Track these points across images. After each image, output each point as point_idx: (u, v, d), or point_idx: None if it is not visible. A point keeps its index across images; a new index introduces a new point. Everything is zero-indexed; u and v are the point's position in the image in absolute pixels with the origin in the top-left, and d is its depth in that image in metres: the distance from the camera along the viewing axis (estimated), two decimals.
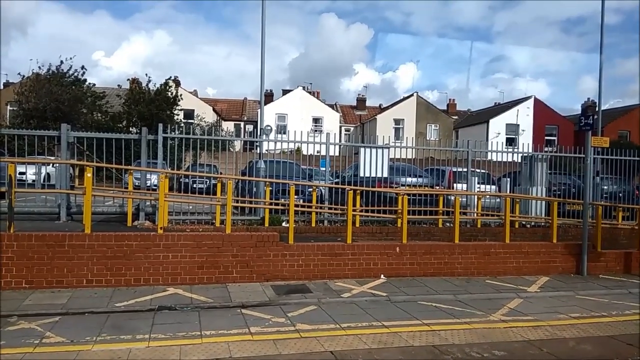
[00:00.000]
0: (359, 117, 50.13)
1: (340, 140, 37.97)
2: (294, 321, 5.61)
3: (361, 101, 53.38)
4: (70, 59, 28.73)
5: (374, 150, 10.49)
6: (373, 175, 10.49)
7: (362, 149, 10.52)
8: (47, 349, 4.55)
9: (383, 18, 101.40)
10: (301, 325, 5.46)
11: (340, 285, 7.42)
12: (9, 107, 37.78)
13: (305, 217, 10.11)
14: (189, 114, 36.08)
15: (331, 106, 47.58)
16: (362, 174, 10.52)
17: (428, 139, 39.98)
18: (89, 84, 28.87)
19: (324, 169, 13.54)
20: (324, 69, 78.99)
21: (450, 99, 53.11)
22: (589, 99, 46.09)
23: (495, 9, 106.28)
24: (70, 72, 28.28)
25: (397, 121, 43.08)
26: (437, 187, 12.07)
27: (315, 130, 42.50)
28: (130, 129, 28.74)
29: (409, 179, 11.67)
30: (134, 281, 6.91)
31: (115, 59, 77.57)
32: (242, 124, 50.25)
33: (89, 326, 5.21)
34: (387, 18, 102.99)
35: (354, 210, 10.01)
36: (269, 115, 43.32)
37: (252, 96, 52.50)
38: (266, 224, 9.74)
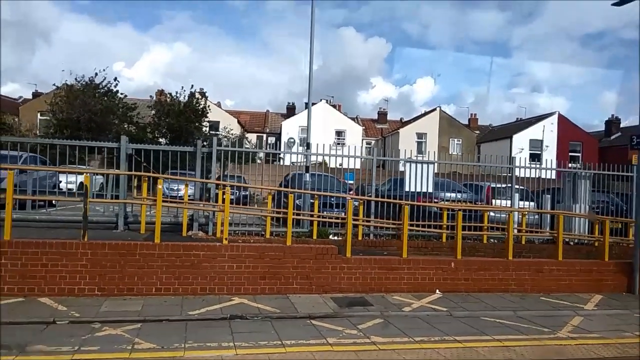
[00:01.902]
0: (381, 130, 50.29)
1: (362, 153, 38.22)
2: (366, 333, 5.72)
3: (382, 114, 53.57)
4: (104, 70, 29.46)
5: (419, 166, 10.61)
6: (419, 189, 10.60)
7: (407, 164, 10.65)
8: (142, 355, 4.73)
9: (400, 31, 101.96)
10: (375, 337, 5.57)
11: (398, 299, 7.51)
12: (38, 116, 38.84)
13: (352, 231, 10.21)
14: (214, 125, 36.57)
15: (353, 119, 47.81)
16: (407, 189, 10.64)
17: (450, 153, 39.96)
18: (121, 95, 29.51)
19: (351, 182, 13.71)
20: (342, 82, 79.57)
21: (471, 114, 52.92)
22: (613, 115, 45.73)
23: (513, 22, 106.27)
24: (104, 83, 28.97)
25: (420, 135, 43.12)
26: (480, 203, 12.12)
27: (338, 143, 42.79)
28: (160, 140, 29.28)
29: (450, 194, 11.76)
30: (200, 290, 7.09)
31: (136, 70, 79.08)
32: (264, 136, 50.79)
33: (171, 333, 5.39)
34: (404, 31, 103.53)
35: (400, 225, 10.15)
36: (292, 127, 43.80)
37: (270, 107, 52.86)
38: (314, 237, 9.90)
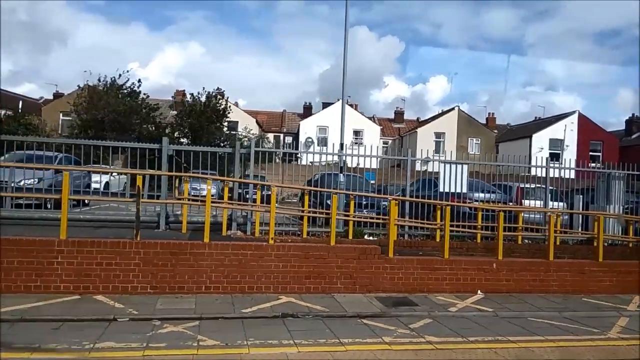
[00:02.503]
0: (398, 130, 50.19)
1: (379, 152, 38.30)
2: (420, 333, 5.79)
3: (399, 114, 53.49)
4: (127, 71, 29.80)
5: (453, 166, 10.64)
6: (453, 190, 10.64)
7: (442, 165, 10.68)
8: (209, 352, 4.86)
9: (413, 30, 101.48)
10: (429, 337, 5.64)
11: (442, 299, 7.57)
12: (61, 117, 39.45)
13: (386, 231, 10.29)
14: (232, 126, 36.80)
15: (370, 119, 47.80)
16: (442, 189, 10.68)
17: (469, 153, 39.74)
18: (144, 95, 29.86)
19: (373, 181, 13.74)
20: (354, 81, 79.51)
21: (489, 113, 52.61)
22: (633, 114, 45.13)
23: (527, 20, 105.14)
24: (127, 84, 29.36)
25: (438, 135, 42.95)
26: (511, 204, 12.11)
27: (356, 143, 42.84)
28: (181, 140, 29.56)
29: (482, 195, 11.76)
30: (248, 288, 7.22)
31: (150, 70, 79.67)
32: (281, 135, 51.00)
33: (231, 330, 5.51)
34: (417, 30, 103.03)
35: (435, 225, 10.20)
36: (310, 127, 43.90)
37: (283, 107, 52.74)
38: (350, 237, 10.00)
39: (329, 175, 11.53)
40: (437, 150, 38.04)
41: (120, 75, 29.45)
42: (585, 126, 41.79)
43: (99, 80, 29.25)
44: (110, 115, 27.48)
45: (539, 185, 12.59)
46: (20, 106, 39.09)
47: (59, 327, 5.37)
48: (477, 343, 5.54)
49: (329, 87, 78.11)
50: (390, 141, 49.37)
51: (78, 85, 29.71)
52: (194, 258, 7.09)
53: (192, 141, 28.08)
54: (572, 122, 42.36)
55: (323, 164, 12.83)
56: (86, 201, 11.92)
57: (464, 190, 10.71)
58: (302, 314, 6.37)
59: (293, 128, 51.47)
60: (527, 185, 12.94)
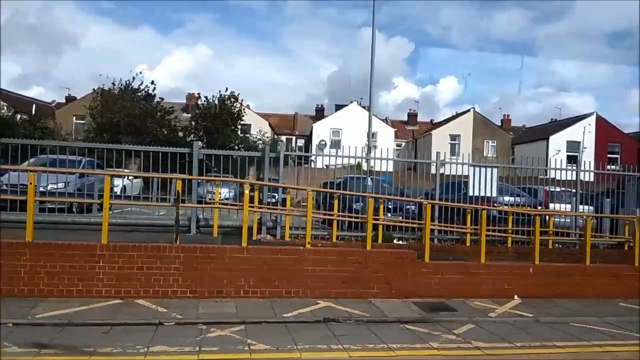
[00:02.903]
0: (412, 132, 50.02)
1: (392, 155, 38.16)
2: (465, 338, 5.76)
3: (412, 116, 53.32)
4: (140, 73, 29.95)
5: (483, 170, 10.58)
6: (482, 194, 10.57)
7: (471, 168, 10.63)
8: (261, 356, 4.88)
9: (422, 31, 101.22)
10: (476, 342, 5.60)
11: (479, 304, 7.52)
12: (74, 120, 39.84)
13: (415, 235, 10.28)
14: (245, 128, 36.88)
15: (383, 121, 47.70)
16: (471, 193, 10.62)
17: (485, 155, 39.50)
18: (159, 98, 30.04)
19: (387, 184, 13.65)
20: (362, 83, 79.18)
21: (504, 115, 52.14)
22: None
23: (537, 21, 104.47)
24: (142, 87, 29.56)
25: (453, 137, 42.77)
26: (540, 207, 12.01)
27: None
28: (197, 143, 29.66)
29: (510, 198, 11.67)
30: (285, 293, 7.23)
31: (157, 73, 79.86)
32: (293, 138, 51.09)
33: (277, 334, 5.53)
34: (426, 31, 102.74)
35: (465, 230, 10.14)
36: (323, 130, 43.90)
37: (291, 109, 52.66)
38: (379, 241, 9.96)
39: (351, 178, 11.51)
40: (452, 153, 37.88)
41: (134, 78, 29.71)
42: (603, 128, 41.41)
43: (113, 83, 29.51)
44: (126, 119, 27.69)
45: (566, 189, 12.48)
46: (33, 110, 39.50)
47: (108, 331, 5.42)
48: (524, 348, 5.50)
49: (336, 89, 78.00)
50: (403, 143, 49.22)
51: (93, 89, 29.96)
52: (233, 262, 7.12)
53: (208, 144, 28.19)
54: (589, 124, 41.96)
55: (339, 167, 12.81)
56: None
57: (494, 194, 10.63)
58: (343, 319, 6.36)
59: (305, 130, 51.50)
60: (554, 189, 12.82)
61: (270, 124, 45.35)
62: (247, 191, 7.62)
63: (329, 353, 5.02)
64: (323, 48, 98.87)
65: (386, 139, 43.60)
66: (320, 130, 43.71)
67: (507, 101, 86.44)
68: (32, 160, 11.46)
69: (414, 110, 54.50)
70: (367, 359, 4.97)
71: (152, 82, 29.83)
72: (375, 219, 10.01)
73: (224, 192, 13.96)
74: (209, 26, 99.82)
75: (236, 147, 28.91)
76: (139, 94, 29.11)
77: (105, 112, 28.12)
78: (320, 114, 51.81)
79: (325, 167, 12.74)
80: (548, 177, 12.26)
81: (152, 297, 6.80)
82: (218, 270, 7.06)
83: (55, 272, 6.61)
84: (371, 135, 44.07)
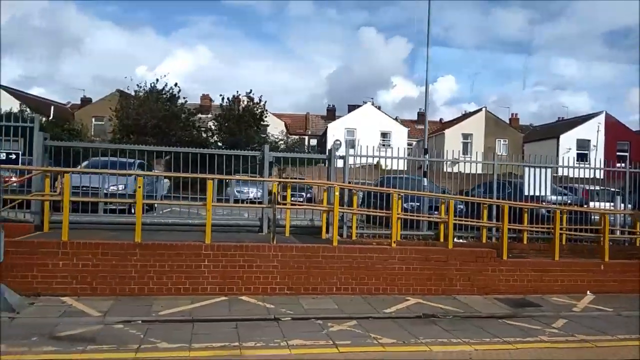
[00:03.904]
0: (422, 131, 50.23)
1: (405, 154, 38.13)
2: (567, 332, 6.09)
3: (422, 115, 53.60)
4: (164, 76, 30.24)
5: (537, 170, 10.90)
6: (537, 193, 10.89)
7: (526, 168, 10.94)
8: (394, 349, 5.20)
9: (421, 32, 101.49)
10: (580, 335, 5.94)
11: (557, 300, 7.86)
12: (93, 122, 40.13)
13: (473, 233, 10.59)
14: (262, 129, 37.13)
15: (394, 119, 48.00)
16: (526, 192, 10.93)
17: (497, 153, 39.82)
18: (184, 100, 30.36)
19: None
20: (362, 82, 79.50)
21: (512, 114, 52.39)
22: None
23: (535, 21, 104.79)
24: (166, 88, 29.84)
25: (466, 136, 43.13)
26: (585, 206, 12.34)
27: (383, 145, 43.09)
28: (219, 144, 29.97)
29: (557, 197, 12.00)
30: (375, 290, 7.56)
31: (160, 73, 79.52)
32: (306, 138, 51.39)
33: (392, 329, 5.85)
34: (425, 31, 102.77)
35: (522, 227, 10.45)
36: (338, 130, 44.19)
37: (294, 110, 52.68)
38: (441, 239, 10.28)
39: (394, 178, 11.78)
40: (464, 152, 38.28)
41: (158, 80, 29.99)
42: (612, 126, 41.81)
43: (138, 85, 29.81)
44: (152, 121, 27.99)
45: (605, 188, 12.79)
46: (52, 111, 39.74)
47: (236, 326, 5.73)
48: (626, 341, 5.83)
49: (336, 88, 78.19)
50: (414, 143, 49.48)
51: (118, 90, 30.25)
52: (326, 261, 7.45)
53: (231, 145, 28.48)
54: (599, 123, 42.40)
55: (357, 166, 13.06)
56: (155, 206, 12.24)
57: (548, 193, 10.96)
58: (441, 315, 6.69)
59: (317, 130, 51.84)
60: (592, 187, 13.14)
61: (285, 124, 45.64)
62: (337, 192, 7.92)
63: (455, 347, 5.35)
64: (323, 48, 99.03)
65: (399, 138, 43.95)
66: (335, 130, 43.99)
67: (506, 100, 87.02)
68: (86, 162, 11.80)
69: (423, 110, 54.71)
70: (491, 351, 5.29)
71: (176, 84, 30.09)
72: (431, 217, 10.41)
73: (253, 192, 14.35)
74: (209, 29, 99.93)
75: (259, 148, 29.28)
76: (164, 95, 29.38)
77: (132, 114, 28.40)
78: (331, 113, 52.11)
79: (351, 166, 13.01)
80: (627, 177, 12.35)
81: (253, 294, 7.13)
82: (313, 268, 7.39)
83: (164, 271, 6.93)
84: (382, 135, 44.26)
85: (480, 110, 44.70)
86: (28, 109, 30.93)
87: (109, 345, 4.88)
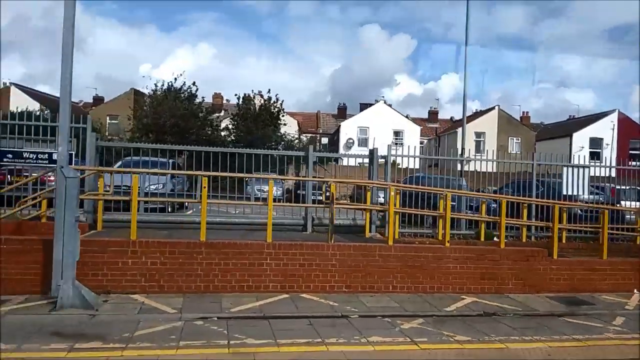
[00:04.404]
0: (435, 130, 50.37)
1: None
2: (630, 329, 6.21)
3: (433, 113, 53.79)
4: (180, 75, 30.38)
5: (575, 170, 11.00)
6: (576, 193, 10.99)
7: (565, 168, 11.04)
8: (472, 346, 5.34)
9: (424, 29, 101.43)
10: None
11: (607, 298, 7.98)
12: (108, 120, 40.34)
13: (513, 232, 10.69)
14: (278, 127, 37.18)
15: (405, 118, 48.03)
16: (565, 192, 11.03)
17: (510, 152, 39.84)
18: (202, 98, 30.50)
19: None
20: (365, 80, 79.52)
21: (523, 112, 52.32)
22: None
23: (538, 17, 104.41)
24: (184, 87, 29.98)
25: (479, 134, 43.13)
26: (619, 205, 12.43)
27: (396, 143, 43.18)
28: (235, 142, 30.12)
29: (589, 196, 12.09)
30: (429, 289, 7.70)
31: (162, 72, 79.70)
32: (317, 136, 51.55)
33: (461, 327, 5.98)
34: (428, 29, 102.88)
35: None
36: (351, 128, 44.30)
37: (292, 108, 52.35)
38: (482, 239, 10.40)
39: (423, 177, 11.87)
40: (477, 150, 38.23)
41: (176, 79, 30.13)
42: (625, 124, 41.79)
43: (156, 84, 29.97)
44: (171, 120, 28.15)
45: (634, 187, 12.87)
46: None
47: (310, 323, 5.88)
48: None
49: (339, 87, 78.12)
50: (425, 141, 49.52)
51: (137, 90, 30.43)
52: (382, 259, 7.59)
53: (247, 145, 28.64)
54: (611, 121, 42.42)
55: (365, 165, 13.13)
56: (186, 205, 12.35)
57: (586, 193, 11.06)
58: (501, 313, 6.82)
59: (328, 129, 51.96)
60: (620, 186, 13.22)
61: (298, 123, 45.78)
62: (392, 193, 8.06)
63: (529, 344, 5.48)
64: (325, 47, 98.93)
65: (412, 136, 44.04)
66: (348, 129, 44.09)
67: (510, 97, 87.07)
68: (121, 162, 11.97)
69: (434, 108, 54.89)
70: (566, 348, 5.42)
71: (194, 83, 30.20)
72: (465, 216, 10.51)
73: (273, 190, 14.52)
74: (210, 27, 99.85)
75: (276, 147, 29.43)
76: (181, 94, 29.53)
77: (150, 112, 28.58)
78: (342, 112, 52.25)
79: (359, 165, 13.18)
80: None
81: (313, 291, 7.28)
82: (369, 267, 7.53)
83: (228, 269, 7.09)
84: (395, 134, 44.26)
85: (493, 108, 44.67)
86: (48, 110, 31.15)
87: (200, 342, 5.04)
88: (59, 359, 4.48)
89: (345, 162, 15.18)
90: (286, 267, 7.26)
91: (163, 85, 29.84)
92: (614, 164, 12.41)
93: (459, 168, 11.62)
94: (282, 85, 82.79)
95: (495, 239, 10.70)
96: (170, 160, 12.85)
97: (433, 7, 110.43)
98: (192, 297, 6.77)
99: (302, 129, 49.89)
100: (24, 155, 8.93)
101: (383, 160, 10.50)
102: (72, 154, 9.19)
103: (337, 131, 46.06)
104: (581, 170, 11.05)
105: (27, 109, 30.25)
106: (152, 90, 29.82)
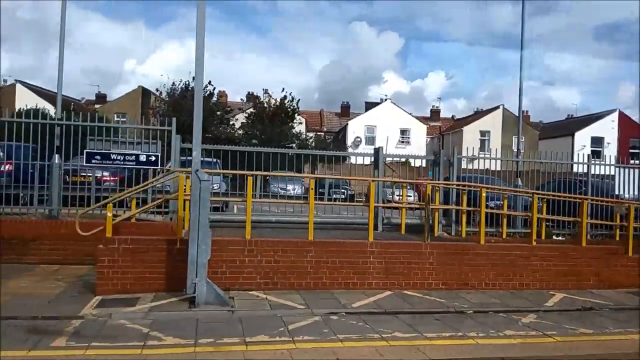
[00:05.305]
0: (439, 128, 50.89)
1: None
2: None
3: (435, 112, 54.26)
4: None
5: (630, 170, 11.48)
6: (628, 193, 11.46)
7: (617, 169, 11.50)
8: (602, 338, 5.73)
9: (414, 27, 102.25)
10: None
11: None
12: (115, 118, 40.09)
13: (571, 231, 11.10)
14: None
15: (409, 115, 48.46)
16: (617, 192, 11.49)
17: (514, 151, 40.48)
18: (219, 97, 30.61)
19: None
20: (353, 77, 79.79)
21: (524, 111, 52.85)
22: None
23: (528, 16, 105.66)
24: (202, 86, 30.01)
25: (483, 133, 43.83)
26: None
27: (402, 142, 43.70)
28: (253, 142, 30.31)
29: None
30: (519, 285, 8.07)
31: (148, 67, 78.77)
32: (322, 134, 51.73)
33: (571, 320, 6.36)
34: (417, 25, 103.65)
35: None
36: (358, 127, 44.63)
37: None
38: (543, 237, 10.79)
39: (470, 177, 12.24)
40: (482, 149, 38.90)
41: (193, 78, 30.08)
42: (626, 124, 42.78)
43: (173, 83, 30.04)
44: (190, 118, 28.17)
45: None
46: (72, 108, 39.71)
47: (437, 318, 6.22)
48: None
49: (327, 83, 78.25)
50: (428, 139, 50.01)
51: (157, 89, 30.44)
52: (475, 258, 7.94)
53: (262, 144, 28.84)
54: (612, 120, 43.44)
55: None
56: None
57: (636, 193, 11.53)
58: (598, 307, 7.21)
59: (333, 127, 52.15)
60: None
61: (306, 121, 45.94)
62: (484, 194, 8.40)
63: None
64: (313, 43, 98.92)
65: (418, 135, 44.63)
66: (356, 127, 44.42)
67: (497, 95, 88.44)
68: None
69: (436, 107, 55.41)
70: None
71: (210, 82, 30.26)
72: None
73: (296, 189, 14.87)
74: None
75: (292, 145, 29.68)
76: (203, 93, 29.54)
77: (167, 111, 28.60)
78: (346, 110, 52.51)
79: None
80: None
81: (412, 288, 7.61)
82: (464, 265, 7.88)
83: (335, 266, 7.39)
84: (401, 132, 44.51)
85: (497, 107, 45.29)
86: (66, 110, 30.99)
87: (355, 335, 5.34)
88: (241, 352, 4.74)
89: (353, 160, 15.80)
90: (387, 265, 7.58)
91: (180, 84, 29.92)
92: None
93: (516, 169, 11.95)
94: (272, 81, 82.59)
95: (554, 237, 11.17)
96: (214, 160, 13.09)
97: (422, 5, 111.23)
98: (305, 293, 7.05)
99: (308, 127, 50.09)
100: (112, 157, 9.11)
101: (446, 160, 10.83)
102: (158, 155, 9.45)
103: (343, 130, 46.37)
104: (631, 170, 11.52)
105: (36, 106, 30.14)
106: (171, 88, 29.85)
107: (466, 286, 7.87)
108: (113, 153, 9.14)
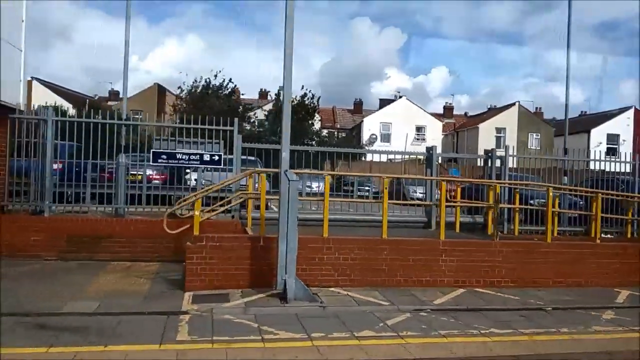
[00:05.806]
0: (453, 125, 50.90)
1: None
2: None
3: (448, 109, 54.21)
4: (220, 71, 30.59)
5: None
6: None
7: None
8: None
9: (414, 23, 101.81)
10: None
11: None
12: (132, 116, 40.29)
13: (618, 229, 11.23)
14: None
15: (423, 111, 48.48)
16: None
17: (530, 147, 40.55)
18: (240, 94, 30.77)
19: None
20: (355, 73, 79.39)
21: (537, 107, 52.90)
22: None
23: (526, 13, 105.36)
24: (224, 84, 30.21)
25: (499, 130, 43.88)
26: None
27: (417, 139, 43.77)
28: (272, 138, 30.46)
29: None
30: (584, 282, 8.24)
31: (149, 63, 77.70)
32: (335, 132, 51.84)
33: None
34: (418, 23, 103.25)
35: None
36: (374, 124, 44.74)
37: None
38: (598, 235, 10.86)
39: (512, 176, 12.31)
40: (497, 146, 38.90)
41: (215, 75, 30.32)
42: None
43: (195, 81, 30.19)
44: (210, 116, 28.37)
45: None
46: (87, 105, 39.98)
47: (522, 315, 6.40)
48: None
49: (328, 80, 77.91)
50: (442, 136, 50.04)
51: (179, 87, 30.61)
52: (542, 255, 8.11)
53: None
54: (628, 117, 43.41)
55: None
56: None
57: None
58: None
59: (345, 124, 52.23)
60: None
61: (321, 118, 46.05)
62: (550, 193, 8.55)
63: None
64: (315, 39, 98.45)
65: (434, 132, 44.65)
66: (371, 125, 44.53)
67: (498, 91, 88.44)
68: None
69: (449, 104, 55.35)
70: None
71: (230, 80, 30.38)
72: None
73: (320, 186, 14.99)
74: (199, 18, 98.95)
75: (312, 143, 29.85)
76: (222, 91, 29.78)
77: (191, 110, 28.80)
78: (358, 107, 52.59)
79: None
80: None
81: (483, 286, 7.78)
82: (530, 263, 8.04)
83: (408, 264, 7.57)
84: (417, 130, 44.55)
85: (513, 104, 45.31)
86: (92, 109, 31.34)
87: (456, 330, 5.53)
88: (357, 347, 4.93)
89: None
90: (458, 263, 7.75)
91: (201, 81, 30.05)
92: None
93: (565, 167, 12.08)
94: (274, 78, 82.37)
95: (602, 234, 11.29)
96: (256, 159, 13.27)
97: (423, 1, 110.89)
98: (382, 290, 7.23)
99: (322, 124, 50.20)
100: (177, 157, 9.30)
101: (498, 160, 10.96)
102: (220, 154, 9.64)
103: (358, 127, 46.48)
104: None
105: (55, 103, 30.50)
106: (193, 86, 29.99)
107: (534, 283, 8.03)
108: (179, 152, 9.32)
